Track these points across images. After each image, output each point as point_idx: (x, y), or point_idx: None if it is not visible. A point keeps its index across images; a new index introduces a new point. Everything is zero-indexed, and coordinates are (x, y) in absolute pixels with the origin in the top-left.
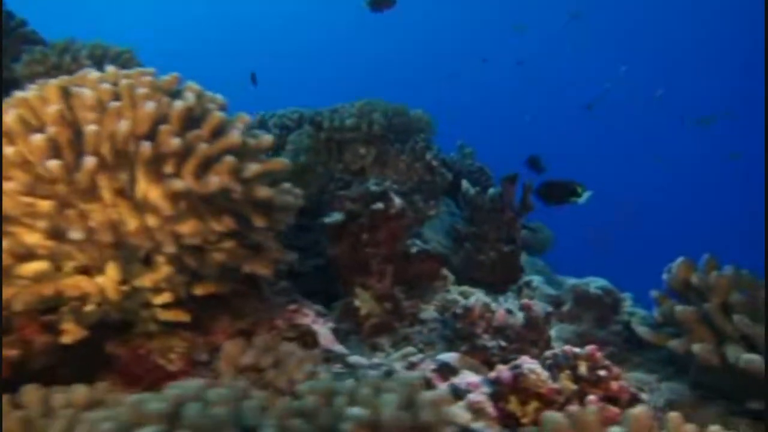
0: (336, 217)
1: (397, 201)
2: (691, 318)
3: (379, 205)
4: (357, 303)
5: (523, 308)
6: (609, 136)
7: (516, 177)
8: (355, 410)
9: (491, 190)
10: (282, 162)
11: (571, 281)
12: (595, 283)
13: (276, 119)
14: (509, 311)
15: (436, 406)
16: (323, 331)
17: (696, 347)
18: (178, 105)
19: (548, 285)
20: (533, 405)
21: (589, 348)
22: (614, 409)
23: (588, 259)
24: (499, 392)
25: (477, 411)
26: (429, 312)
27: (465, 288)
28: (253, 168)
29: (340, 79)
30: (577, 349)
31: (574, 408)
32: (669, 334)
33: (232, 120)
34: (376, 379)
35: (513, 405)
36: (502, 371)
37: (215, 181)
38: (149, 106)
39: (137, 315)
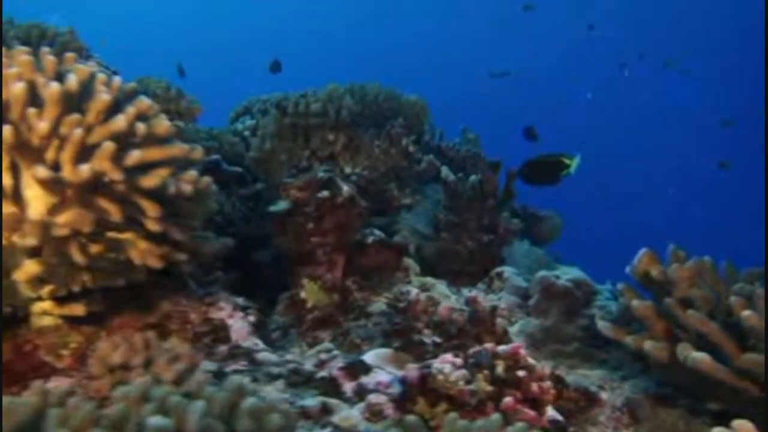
0: (281, 205)
1: (346, 188)
2: (647, 313)
3: (325, 193)
4: (303, 295)
5: (469, 302)
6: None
7: (499, 164)
8: (156, 420)
9: (472, 177)
10: (181, 148)
11: (541, 273)
12: (567, 275)
13: (260, 104)
14: (455, 305)
15: (256, 415)
16: (239, 325)
17: (647, 344)
18: (54, 87)
19: (520, 277)
20: (442, 407)
21: (512, 346)
22: (529, 413)
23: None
24: (407, 393)
25: (375, 413)
26: (378, 305)
27: (427, 279)
28: (134, 155)
29: (357, 66)
30: (500, 348)
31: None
32: (627, 330)
33: (127, 105)
34: (235, 383)
35: (420, 407)
36: (410, 371)
37: (86, 169)
38: (18, 87)
39: (27, 309)
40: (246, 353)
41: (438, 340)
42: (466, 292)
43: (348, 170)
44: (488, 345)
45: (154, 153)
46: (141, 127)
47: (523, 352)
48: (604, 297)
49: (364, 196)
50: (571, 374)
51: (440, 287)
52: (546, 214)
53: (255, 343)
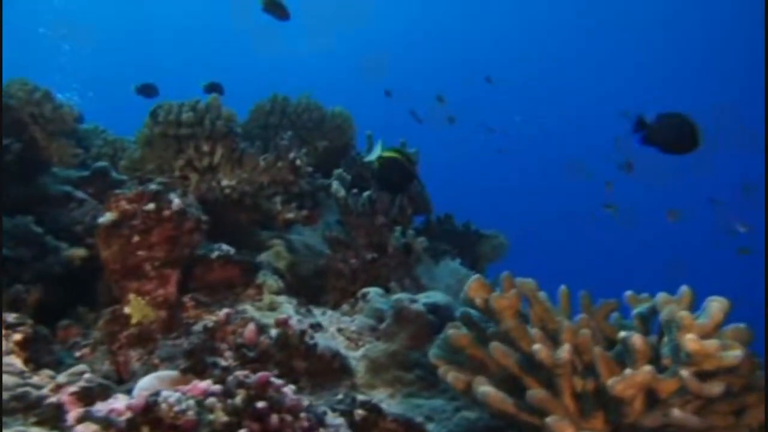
0: (107, 217)
1: (176, 202)
2: (464, 343)
3: (151, 206)
4: (127, 310)
5: (277, 324)
6: None
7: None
8: None
9: (366, 194)
10: None
11: (396, 296)
12: (427, 299)
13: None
14: (263, 327)
15: None
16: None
17: (450, 375)
18: None
19: (384, 299)
20: None
21: (260, 375)
22: None
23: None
24: (132, 421)
25: None
26: (207, 323)
27: (277, 299)
28: None
29: None
30: (249, 377)
31: None
32: (447, 359)
33: None
34: None
35: None
36: (139, 398)
37: None
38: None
39: None
40: None
41: (233, 363)
42: (319, 314)
43: (225, 182)
44: (239, 373)
45: None
46: None
47: (276, 382)
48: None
49: (238, 209)
50: (403, 403)
51: (287, 307)
52: (490, 233)
53: (9, 363)
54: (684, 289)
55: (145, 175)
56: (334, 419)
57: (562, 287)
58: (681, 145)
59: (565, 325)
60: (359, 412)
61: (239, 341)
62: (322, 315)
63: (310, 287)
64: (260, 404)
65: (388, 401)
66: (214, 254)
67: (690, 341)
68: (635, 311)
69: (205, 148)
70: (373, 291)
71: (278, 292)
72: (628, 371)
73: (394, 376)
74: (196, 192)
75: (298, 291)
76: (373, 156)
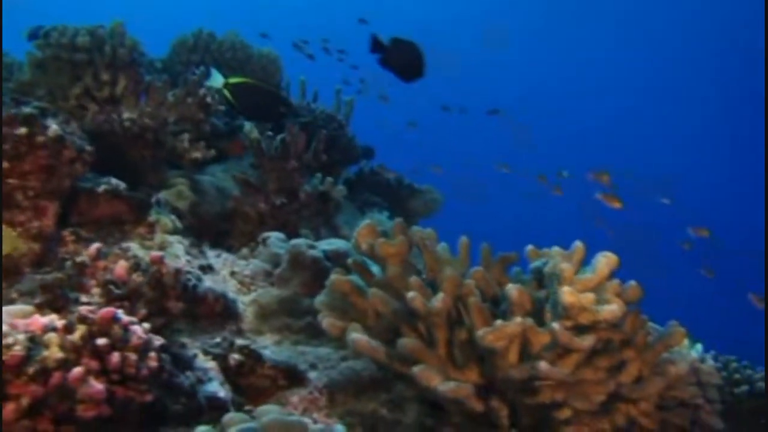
0: None
1: (53, 128)
2: (346, 289)
3: (23, 131)
4: None
5: (152, 262)
6: None
7: (309, 124)
8: None
9: (280, 136)
10: None
11: (294, 241)
12: (329, 246)
13: None
14: (138, 265)
15: None
16: None
17: (325, 322)
18: None
19: (285, 244)
20: None
21: (105, 311)
22: (95, 387)
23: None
24: None
25: None
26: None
27: (166, 237)
28: None
29: None
30: (94, 312)
31: None
32: (330, 305)
33: None
34: None
35: None
36: None
37: None
38: None
39: None
40: None
41: (85, 298)
42: (213, 256)
43: (126, 115)
44: (83, 308)
45: None
46: None
47: (123, 318)
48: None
49: (141, 145)
50: (289, 350)
51: (177, 247)
52: (424, 188)
53: None
54: (577, 243)
55: (30, 98)
56: (204, 363)
57: (463, 237)
58: (409, 72)
59: (446, 274)
60: (235, 357)
61: (108, 278)
62: (216, 257)
63: (216, 230)
64: (101, 341)
65: (274, 348)
66: (101, 188)
67: (566, 294)
68: (531, 265)
69: (105, 77)
70: (274, 235)
71: (174, 232)
72: (499, 322)
73: (283, 322)
74: (92, 123)
75: (200, 233)
76: (214, 82)
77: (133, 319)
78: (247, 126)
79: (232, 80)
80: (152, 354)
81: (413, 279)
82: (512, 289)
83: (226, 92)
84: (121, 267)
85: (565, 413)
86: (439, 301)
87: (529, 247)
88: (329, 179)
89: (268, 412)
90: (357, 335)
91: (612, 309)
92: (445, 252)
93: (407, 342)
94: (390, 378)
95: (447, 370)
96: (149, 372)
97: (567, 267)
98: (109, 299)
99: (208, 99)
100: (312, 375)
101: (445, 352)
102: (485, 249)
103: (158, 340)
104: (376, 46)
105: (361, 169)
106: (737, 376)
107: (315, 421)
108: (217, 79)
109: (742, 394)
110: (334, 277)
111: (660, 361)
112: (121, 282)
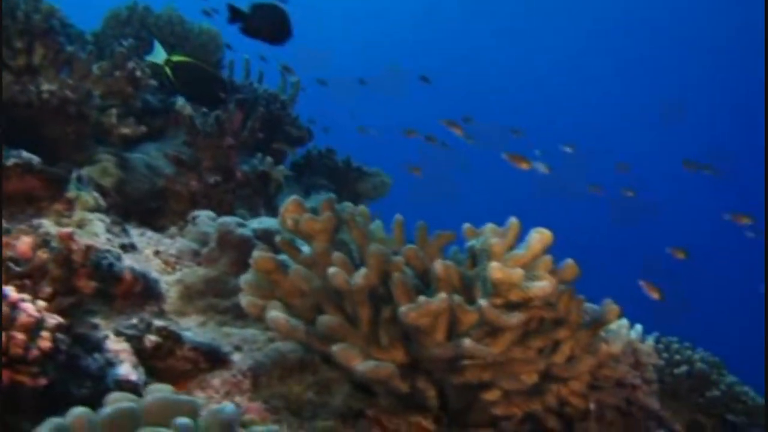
0: None
1: None
2: (268, 267)
3: None
4: None
5: (60, 239)
6: None
7: (246, 101)
8: None
9: (215, 112)
10: None
11: (223, 219)
12: (259, 224)
13: None
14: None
15: None
16: None
17: (244, 301)
18: None
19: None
20: None
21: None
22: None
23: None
24: None
25: None
26: None
27: (85, 215)
28: None
29: None
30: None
31: None
32: (253, 284)
33: None
34: None
35: None
36: None
37: None
38: None
39: None
40: None
41: None
42: (137, 234)
43: (46, 87)
44: None
45: None
46: None
47: (11, 295)
48: None
49: (63, 119)
50: (214, 331)
51: (97, 225)
52: (372, 171)
53: None
54: (511, 219)
55: None
56: (115, 344)
57: (397, 216)
58: (276, 35)
59: (371, 250)
60: (152, 338)
61: (10, 254)
62: (140, 236)
63: (144, 209)
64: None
65: (197, 329)
66: (11, 161)
67: (494, 269)
68: (467, 244)
69: (19, 44)
70: (203, 214)
71: (96, 210)
72: (422, 298)
73: (209, 303)
74: (6, 94)
75: (128, 212)
76: (156, 57)
77: (25, 296)
78: (180, 101)
79: (175, 58)
80: (45, 334)
81: (336, 255)
82: (437, 265)
83: (167, 69)
84: (23, 243)
85: (493, 394)
86: (360, 277)
87: (466, 226)
88: (269, 159)
89: (158, 390)
90: (275, 313)
91: (542, 286)
92: (379, 230)
93: (326, 320)
94: (318, 360)
95: (370, 349)
96: (41, 353)
97: (496, 242)
98: (9, 277)
99: (138, 73)
100: (236, 357)
101: (370, 331)
102: (420, 227)
103: (53, 319)
104: (236, 15)
105: (309, 151)
106: (677, 357)
107: (237, 405)
108: (159, 54)
109: (681, 375)
110: (257, 254)
111: (594, 340)
112: (24, 259)
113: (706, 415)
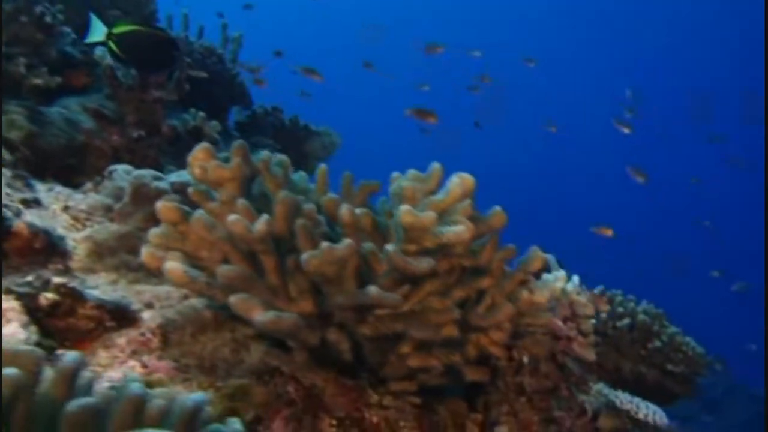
0: None
1: None
2: (173, 217)
3: None
4: None
5: None
6: None
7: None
8: None
9: None
10: None
11: (137, 173)
12: (178, 177)
13: None
14: None
15: None
16: None
17: (143, 253)
18: None
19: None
20: None
21: None
22: None
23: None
24: None
25: None
26: None
27: None
28: None
29: None
30: None
31: None
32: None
33: None
34: None
35: None
36: None
37: None
38: None
39: None
40: None
41: None
42: (44, 189)
43: None
44: None
45: None
46: None
47: None
48: None
49: None
50: (125, 289)
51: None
52: (321, 129)
53: None
54: (434, 164)
55: None
56: (5, 303)
57: (321, 165)
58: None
59: (279, 197)
60: (48, 296)
61: None
62: (48, 191)
63: (60, 165)
64: None
65: (107, 287)
66: None
67: (404, 213)
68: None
69: None
70: (120, 168)
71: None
72: (325, 244)
73: (121, 260)
74: None
75: (42, 168)
76: (95, 35)
77: None
78: (99, 52)
79: (117, 29)
80: None
81: (239, 202)
82: (343, 209)
83: (111, 44)
84: None
85: (408, 346)
86: (261, 223)
87: (394, 174)
88: (201, 114)
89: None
90: (172, 263)
91: (457, 230)
92: (302, 181)
93: (225, 269)
94: (234, 317)
95: (276, 301)
96: None
97: (408, 185)
98: None
99: (48, 18)
100: (146, 315)
101: (278, 282)
102: (345, 177)
103: None
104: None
105: (254, 110)
106: (620, 309)
107: (145, 365)
108: (98, 32)
109: (624, 327)
110: (160, 204)
111: (516, 289)
112: None
113: (648, 366)
